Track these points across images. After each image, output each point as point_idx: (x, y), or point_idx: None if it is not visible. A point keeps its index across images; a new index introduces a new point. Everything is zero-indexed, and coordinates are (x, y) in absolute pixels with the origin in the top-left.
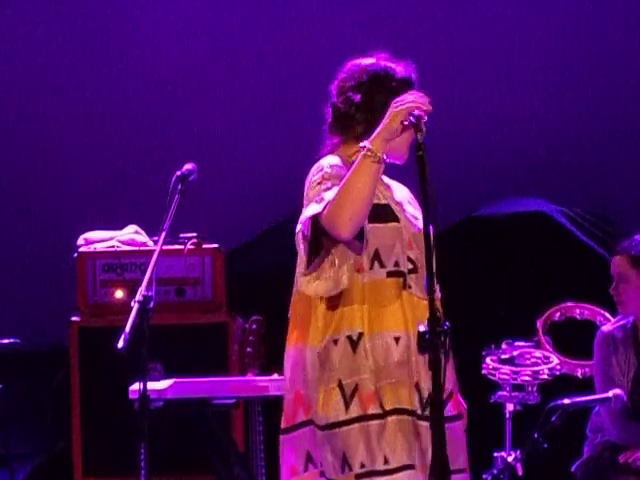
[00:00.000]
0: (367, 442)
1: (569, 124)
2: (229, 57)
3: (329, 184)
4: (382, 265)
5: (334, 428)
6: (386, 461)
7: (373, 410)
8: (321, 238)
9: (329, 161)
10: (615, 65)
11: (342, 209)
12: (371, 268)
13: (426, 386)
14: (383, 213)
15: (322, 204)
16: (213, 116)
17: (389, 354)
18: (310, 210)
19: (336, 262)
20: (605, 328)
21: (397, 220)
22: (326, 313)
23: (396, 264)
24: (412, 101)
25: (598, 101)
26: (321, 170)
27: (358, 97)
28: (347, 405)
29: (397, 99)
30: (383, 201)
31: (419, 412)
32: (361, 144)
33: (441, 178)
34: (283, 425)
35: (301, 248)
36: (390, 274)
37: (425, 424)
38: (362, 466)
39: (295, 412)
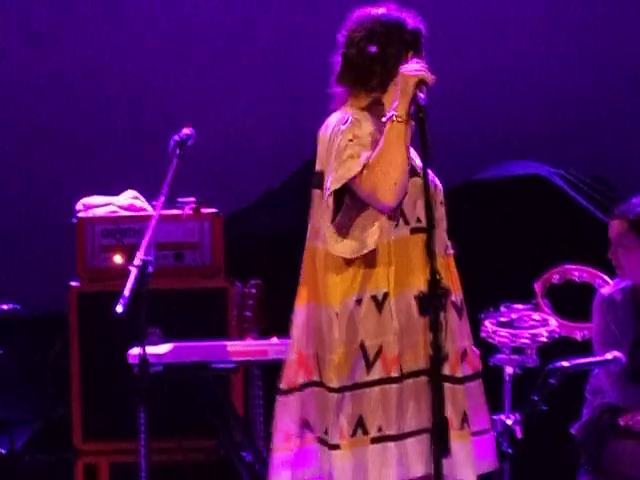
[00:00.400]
0: (386, 406)
1: (568, 88)
2: (226, 20)
3: (361, 142)
4: (406, 222)
5: (353, 390)
6: (399, 426)
7: (395, 373)
8: (345, 196)
9: (355, 116)
10: (611, 27)
11: (385, 177)
12: (396, 225)
13: (444, 344)
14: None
15: (359, 165)
16: (211, 80)
17: (411, 314)
18: (349, 169)
19: (362, 223)
20: (604, 291)
21: (418, 175)
22: (347, 272)
23: (418, 220)
24: (420, 69)
25: (595, 64)
26: (350, 125)
27: (373, 48)
28: (369, 367)
29: (406, 66)
30: None
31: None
32: (388, 113)
33: (440, 142)
34: (282, 386)
35: (330, 203)
36: (414, 230)
37: (445, 384)
38: (379, 430)
39: (296, 373)
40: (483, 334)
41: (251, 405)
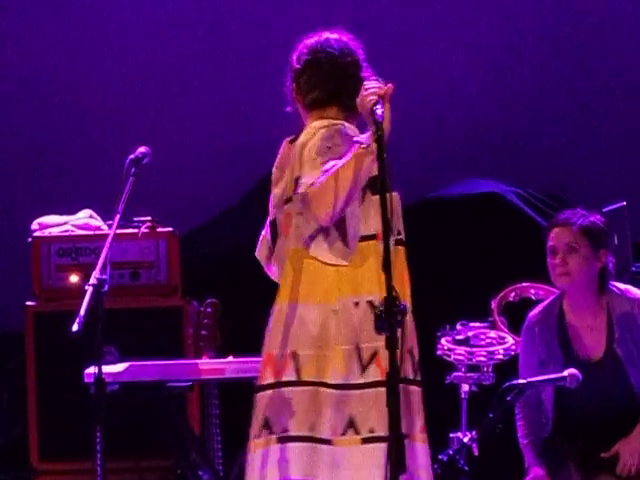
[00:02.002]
0: (379, 408)
1: (529, 107)
2: (184, 39)
3: (337, 153)
4: (392, 234)
5: (347, 389)
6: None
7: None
8: None
9: (341, 128)
10: (572, 43)
11: (330, 201)
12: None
13: (416, 351)
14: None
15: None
16: (167, 98)
17: None
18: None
19: (347, 231)
20: (531, 313)
21: (391, 191)
22: (339, 273)
23: (399, 232)
24: (371, 89)
25: (558, 84)
26: (333, 135)
27: (327, 72)
28: (363, 369)
29: (360, 94)
30: (375, 172)
31: (411, 377)
32: (357, 139)
33: (399, 159)
34: (256, 384)
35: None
36: (397, 242)
37: (417, 388)
38: (371, 431)
39: (263, 373)
40: (439, 352)
41: (208, 424)
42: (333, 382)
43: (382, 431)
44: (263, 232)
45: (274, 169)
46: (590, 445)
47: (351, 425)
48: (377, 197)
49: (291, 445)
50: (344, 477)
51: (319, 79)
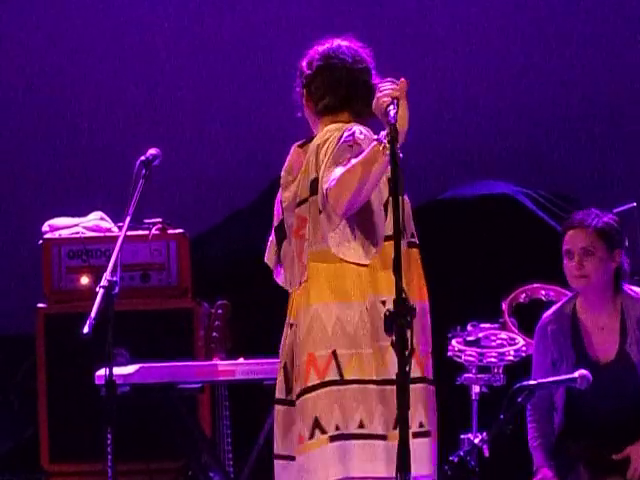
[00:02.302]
0: (424, 403)
1: (538, 108)
2: (195, 42)
3: (357, 151)
4: (404, 235)
5: (391, 385)
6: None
7: (425, 374)
8: None
9: (359, 128)
10: (582, 47)
11: (347, 191)
12: (403, 237)
13: (422, 349)
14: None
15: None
16: (178, 100)
17: None
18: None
19: (367, 232)
20: (545, 314)
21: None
22: (363, 270)
23: (412, 235)
24: (385, 90)
25: (566, 85)
26: (352, 134)
27: (340, 78)
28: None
29: (380, 88)
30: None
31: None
32: (375, 137)
33: (410, 160)
34: (278, 395)
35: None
36: (410, 245)
37: (419, 386)
38: (420, 425)
39: (307, 375)
40: (450, 353)
41: (218, 425)
42: (378, 378)
43: (429, 425)
44: (270, 238)
45: (283, 173)
46: (600, 447)
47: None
48: (391, 198)
49: (347, 443)
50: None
51: (331, 85)
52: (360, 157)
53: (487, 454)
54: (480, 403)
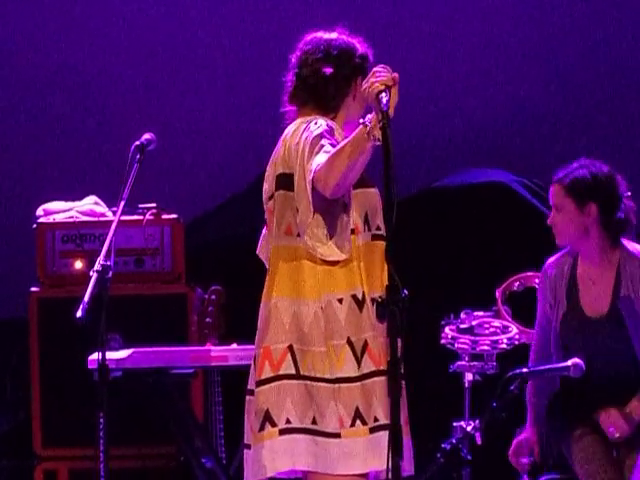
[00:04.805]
0: (380, 396)
1: (530, 96)
2: (190, 25)
3: (332, 140)
4: (369, 228)
5: (347, 382)
6: (387, 417)
7: (381, 366)
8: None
9: (322, 119)
10: (574, 35)
11: (334, 171)
12: (364, 230)
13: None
14: (367, 178)
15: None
16: (173, 85)
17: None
18: (320, 158)
19: (339, 229)
20: (549, 260)
21: (375, 186)
22: (320, 269)
23: (378, 228)
24: (378, 76)
25: (559, 74)
26: (319, 126)
27: (329, 70)
28: (359, 361)
29: (364, 82)
30: None
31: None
32: (363, 121)
33: (403, 149)
34: (249, 385)
35: (307, 196)
36: (374, 237)
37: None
38: (375, 420)
39: (262, 367)
40: (443, 340)
41: (211, 411)
42: (331, 377)
43: (384, 419)
44: (264, 230)
45: (268, 166)
46: (595, 403)
47: (358, 416)
48: (359, 190)
49: (296, 437)
50: (353, 467)
51: (301, 80)
52: (346, 140)
53: (479, 442)
54: (473, 391)
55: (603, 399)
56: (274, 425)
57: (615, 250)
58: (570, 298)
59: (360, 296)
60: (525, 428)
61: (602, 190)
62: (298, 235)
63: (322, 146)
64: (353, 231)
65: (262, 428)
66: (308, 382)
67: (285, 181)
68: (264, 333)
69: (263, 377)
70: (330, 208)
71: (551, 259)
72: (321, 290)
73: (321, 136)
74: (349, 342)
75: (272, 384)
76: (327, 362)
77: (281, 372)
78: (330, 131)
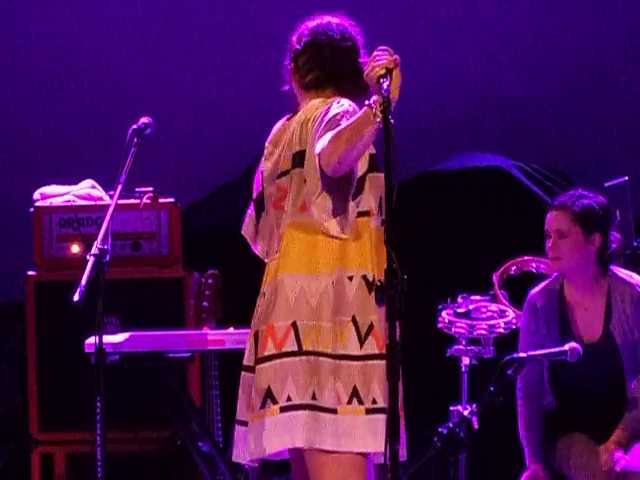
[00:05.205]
0: (379, 380)
1: (528, 81)
2: (184, 11)
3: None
4: (381, 213)
5: (348, 360)
6: (385, 401)
7: (384, 351)
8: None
9: (347, 100)
10: (566, 23)
11: (336, 150)
12: (377, 214)
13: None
14: (376, 162)
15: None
16: (170, 69)
17: None
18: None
19: (349, 207)
20: (533, 291)
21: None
22: (335, 244)
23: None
24: (378, 60)
25: (557, 57)
26: (341, 105)
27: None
28: (362, 341)
29: (370, 62)
30: (374, 151)
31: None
32: (369, 102)
33: (400, 133)
34: (246, 362)
35: (316, 171)
36: (383, 222)
37: None
38: (374, 402)
39: (264, 344)
40: (440, 324)
41: (207, 395)
42: (333, 352)
43: (383, 403)
44: (249, 211)
45: (267, 144)
46: (587, 421)
47: (355, 395)
48: (372, 175)
49: (295, 413)
50: (347, 445)
51: (318, 61)
52: (351, 120)
53: (476, 426)
54: (470, 375)
55: (595, 412)
56: (275, 402)
57: (604, 277)
58: (562, 327)
59: (370, 278)
60: (529, 467)
61: (606, 222)
62: None
63: (339, 125)
64: (368, 213)
65: (263, 405)
66: (311, 357)
67: (302, 159)
68: (269, 310)
69: (266, 354)
70: (338, 187)
71: (535, 290)
72: (334, 264)
73: (341, 116)
74: (354, 321)
75: (274, 361)
76: (331, 337)
77: (284, 350)
78: (353, 113)
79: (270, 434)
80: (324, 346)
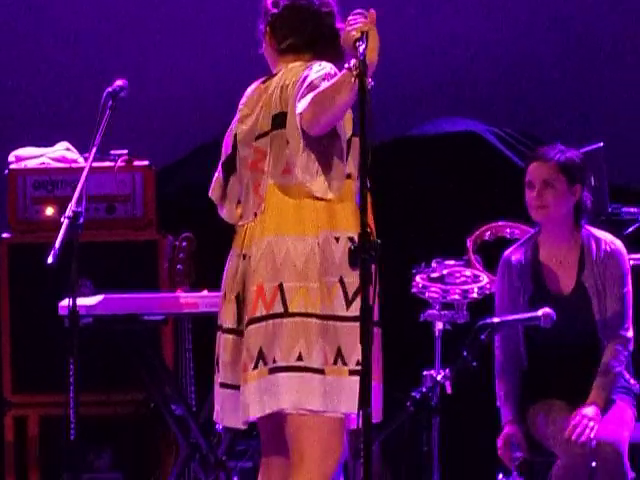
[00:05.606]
0: None
1: (503, 46)
2: None
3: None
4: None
5: (334, 320)
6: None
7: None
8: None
9: (328, 63)
10: None
11: (315, 110)
12: (357, 178)
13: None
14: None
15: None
16: (144, 30)
17: None
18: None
19: (331, 168)
20: (507, 252)
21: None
22: (320, 205)
23: None
24: (353, 24)
25: (528, 23)
26: (323, 68)
27: (306, 19)
28: (349, 302)
29: (345, 26)
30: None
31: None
32: (348, 65)
33: (374, 98)
34: (226, 323)
35: (298, 131)
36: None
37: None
38: (357, 363)
39: (255, 305)
40: (414, 289)
41: (181, 358)
42: (321, 313)
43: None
44: (216, 174)
45: (240, 106)
46: (562, 378)
47: (340, 355)
48: (355, 139)
49: (282, 375)
50: (333, 406)
51: (296, 25)
52: (330, 82)
53: (449, 391)
54: (443, 340)
55: (570, 369)
56: (265, 364)
57: (578, 231)
58: (537, 280)
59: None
60: (504, 427)
61: (586, 175)
62: None
63: (320, 86)
64: (350, 176)
65: (256, 366)
66: (298, 318)
67: (284, 120)
68: (257, 271)
69: (257, 315)
70: (323, 147)
71: (508, 250)
72: (320, 226)
73: (322, 78)
74: (341, 281)
75: (263, 323)
76: (319, 298)
77: (271, 312)
78: (334, 75)
79: (260, 396)
80: (312, 307)
